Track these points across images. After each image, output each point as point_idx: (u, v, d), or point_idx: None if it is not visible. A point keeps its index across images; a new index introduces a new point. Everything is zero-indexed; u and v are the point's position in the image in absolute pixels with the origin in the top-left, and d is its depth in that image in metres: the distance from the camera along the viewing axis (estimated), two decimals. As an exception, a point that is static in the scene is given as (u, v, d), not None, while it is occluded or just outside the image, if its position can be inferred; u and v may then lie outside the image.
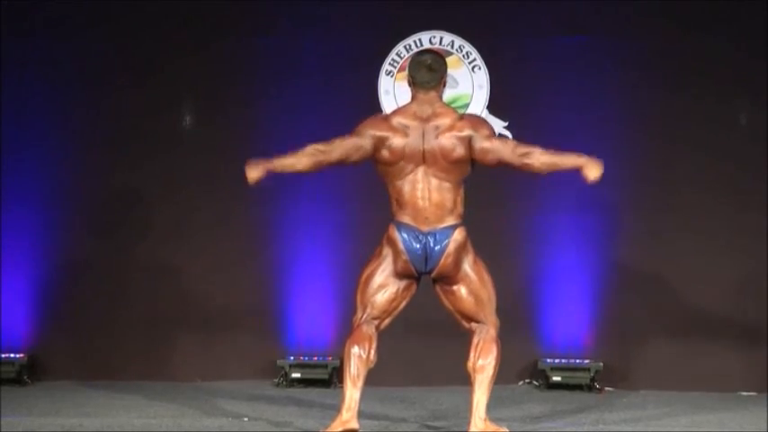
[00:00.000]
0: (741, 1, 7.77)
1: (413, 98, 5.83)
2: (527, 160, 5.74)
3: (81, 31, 7.94)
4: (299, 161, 5.79)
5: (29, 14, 7.92)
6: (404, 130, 5.73)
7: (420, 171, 5.73)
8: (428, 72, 5.79)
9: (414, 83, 5.82)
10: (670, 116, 7.80)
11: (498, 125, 7.71)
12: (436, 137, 5.71)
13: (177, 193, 7.94)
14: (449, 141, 5.71)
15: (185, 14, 7.92)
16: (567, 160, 5.77)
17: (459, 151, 5.72)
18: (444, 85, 5.87)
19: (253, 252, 7.89)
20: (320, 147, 5.79)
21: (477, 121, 5.91)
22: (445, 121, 5.74)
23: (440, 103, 5.82)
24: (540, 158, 5.74)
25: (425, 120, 5.74)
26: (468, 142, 5.72)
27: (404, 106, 5.88)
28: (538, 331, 7.81)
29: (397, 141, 5.73)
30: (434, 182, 5.74)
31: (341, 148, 5.77)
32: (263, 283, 7.86)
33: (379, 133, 5.75)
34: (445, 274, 5.79)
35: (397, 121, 5.77)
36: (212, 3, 7.92)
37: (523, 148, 5.75)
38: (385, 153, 5.75)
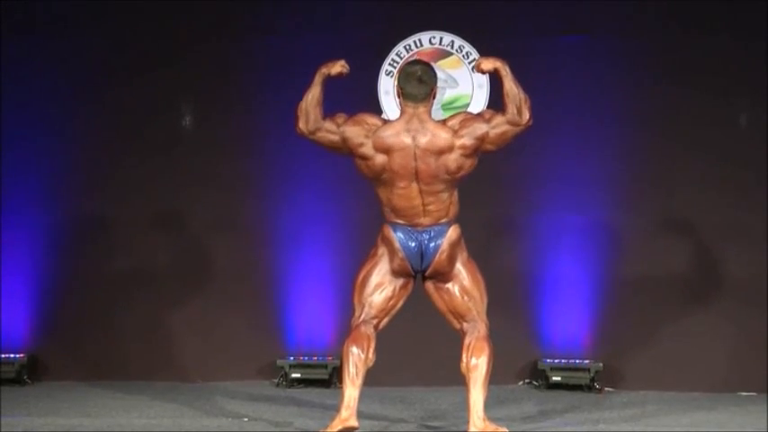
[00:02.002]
0: (741, 1, 7.77)
1: (402, 112, 5.77)
2: (516, 116, 5.72)
3: (81, 31, 7.94)
4: (314, 96, 5.93)
5: (28, 14, 7.92)
6: (388, 150, 5.69)
7: (414, 188, 5.73)
8: (418, 84, 5.73)
9: (403, 94, 5.77)
10: (670, 116, 7.80)
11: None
12: (435, 157, 5.67)
13: (177, 192, 7.93)
14: (453, 163, 5.70)
15: (185, 14, 7.92)
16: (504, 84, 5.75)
17: (467, 166, 5.74)
18: (434, 98, 5.81)
19: (253, 252, 7.89)
20: (328, 124, 5.81)
21: (469, 125, 5.74)
22: (440, 140, 5.68)
23: (430, 119, 5.75)
24: (510, 108, 5.71)
25: (415, 138, 5.69)
26: (478, 148, 5.71)
27: (392, 122, 5.79)
28: (537, 331, 7.80)
29: (378, 160, 5.71)
30: (429, 196, 5.75)
31: (327, 138, 5.80)
32: (263, 283, 7.86)
33: (361, 144, 5.73)
34: (440, 271, 5.82)
35: (383, 137, 5.70)
36: (212, 3, 7.92)
37: (513, 119, 5.73)
38: (361, 164, 5.76)
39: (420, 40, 7.87)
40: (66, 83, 7.95)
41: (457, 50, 7.82)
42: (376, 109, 7.76)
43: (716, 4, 7.78)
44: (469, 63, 7.80)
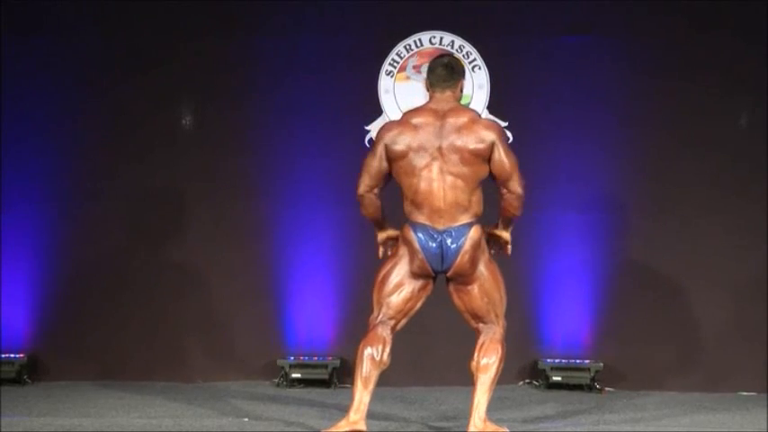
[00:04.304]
0: (741, 1, 7.77)
1: (430, 98, 5.84)
2: (504, 190, 5.79)
3: (81, 31, 7.94)
4: (373, 213, 5.87)
5: (28, 14, 7.92)
6: (416, 127, 5.73)
7: (435, 167, 5.72)
8: (445, 70, 5.81)
9: (431, 83, 5.84)
10: (670, 115, 7.80)
11: (498, 125, 7.71)
12: (458, 134, 5.70)
13: (177, 192, 7.93)
14: (473, 141, 5.70)
15: (185, 14, 7.91)
16: (505, 224, 5.95)
17: (483, 153, 5.73)
18: (462, 90, 5.87)
19: (252, 252, 7.88)
20: (371, 195, 5.82)
21: (499, 129, 5.82)
22: (465, 119, 5.73)
23: (457, 103, 5.82)
24: (508, 199, 5.80)
25: (443, 116, 5.74)
26: (491, 148, 5.72)
27: (420, 105, 5.89)
28: (538, 331, 7.80)
29: (405, 137, 5.73)
30: (450, 180, 5.72)
31: (377, 177, 5.80)
32: (263, 283, 7.86)
33: (386, 142, 5.75)
34: (461, 273, 5.79)
35: (410, 118, 5.77)
36: (212, 2, 7.91)
37: (510, 182, 5.78)
38: (392, 151, 5.76)
39: (420, 40, 7.86)
40: (66, 83, 7.94)
41: (457, 50, 7.81)
42: (376, 109, 7.77)
43: (716, 4, 7.78)
44: (469, 63, 7.79)
